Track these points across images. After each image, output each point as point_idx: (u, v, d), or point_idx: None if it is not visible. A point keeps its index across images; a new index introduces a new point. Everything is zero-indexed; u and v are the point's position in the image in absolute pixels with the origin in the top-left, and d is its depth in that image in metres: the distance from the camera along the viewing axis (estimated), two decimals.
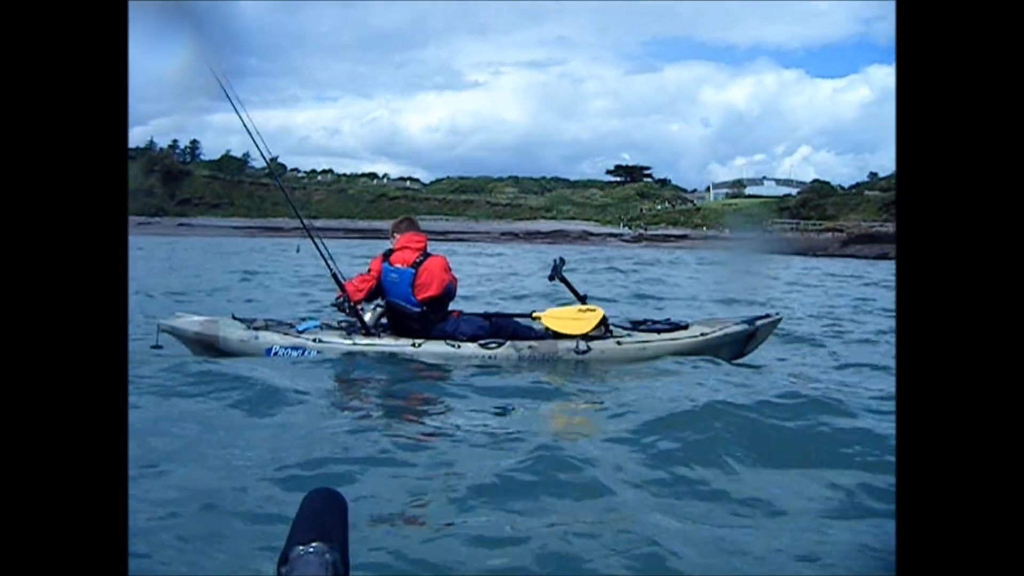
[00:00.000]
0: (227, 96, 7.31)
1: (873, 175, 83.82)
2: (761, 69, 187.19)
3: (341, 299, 7.27)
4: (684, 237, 69.67)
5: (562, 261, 7.88)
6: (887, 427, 4.77)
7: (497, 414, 5.56)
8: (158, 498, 3.63)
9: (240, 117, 7.46)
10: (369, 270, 7.41)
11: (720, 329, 7.60)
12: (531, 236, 69.97)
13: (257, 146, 7.76)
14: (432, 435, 4.96)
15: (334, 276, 7.40)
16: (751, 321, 7.75)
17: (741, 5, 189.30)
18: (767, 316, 7.97)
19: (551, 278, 7.82)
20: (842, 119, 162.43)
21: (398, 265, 7.30)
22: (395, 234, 7.60)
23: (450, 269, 7.42)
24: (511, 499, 3.79)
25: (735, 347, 7.68)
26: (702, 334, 7.51)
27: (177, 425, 4.98)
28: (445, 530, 3.49)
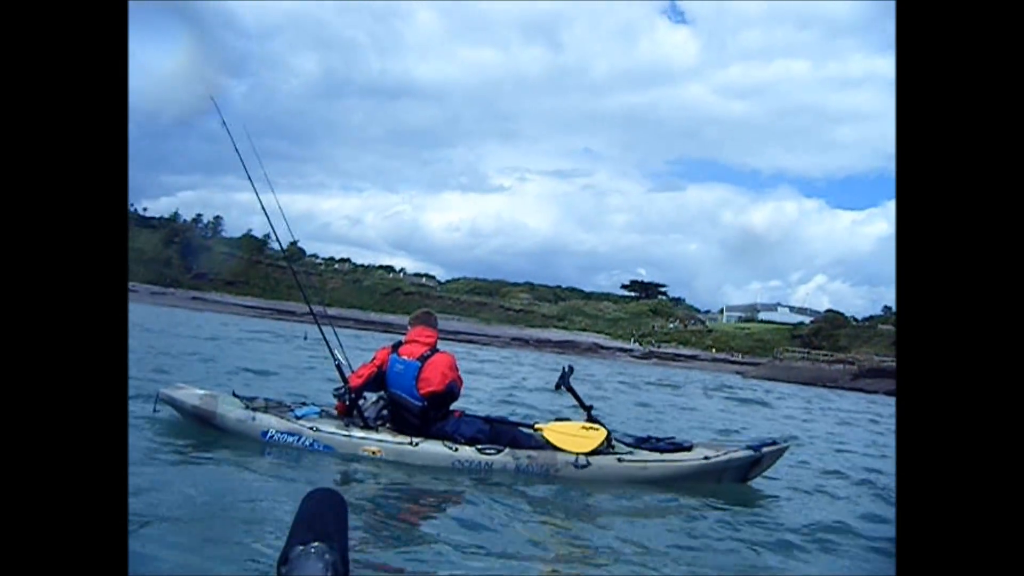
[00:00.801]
0: (247, 175, 7.44)
1: (887, 308, 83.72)
2: (783, 196, 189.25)
3: (342, 390, 7.16)
4: (694, 358, 69.41)
5: (571, 370, 7.63)
6: None
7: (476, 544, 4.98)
8: (159, 498, 3.65)
9: (258, 197, 7.60)
10: (373, 358, 7.30)
11: (725, 454, 7.30)
12: (541, 344, 69.77)
13: (272, 227, 7.91)
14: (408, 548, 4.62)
15: (337, 366, 7.31)
16: (757, 447, 7.45)
17: (766, 132, 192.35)
18: (774, 443, 7.68)
19: (558, 387, 7.59)
20: (859, 251, 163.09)
21: (405, 357, 7.18)
22: (410, 326, 7.54)
23: (456, 368, 7.28)
24: None
25: (739, 473, 7.38)
26: (705, 458, 7.22)
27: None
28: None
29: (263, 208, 7.65)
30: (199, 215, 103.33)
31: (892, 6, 1.66)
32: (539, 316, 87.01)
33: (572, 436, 7.07)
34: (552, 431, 7.14)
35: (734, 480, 7.33)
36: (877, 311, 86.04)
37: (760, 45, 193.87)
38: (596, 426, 7.20)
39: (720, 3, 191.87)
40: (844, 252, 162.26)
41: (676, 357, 69.52)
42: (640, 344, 75.44)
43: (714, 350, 73.49)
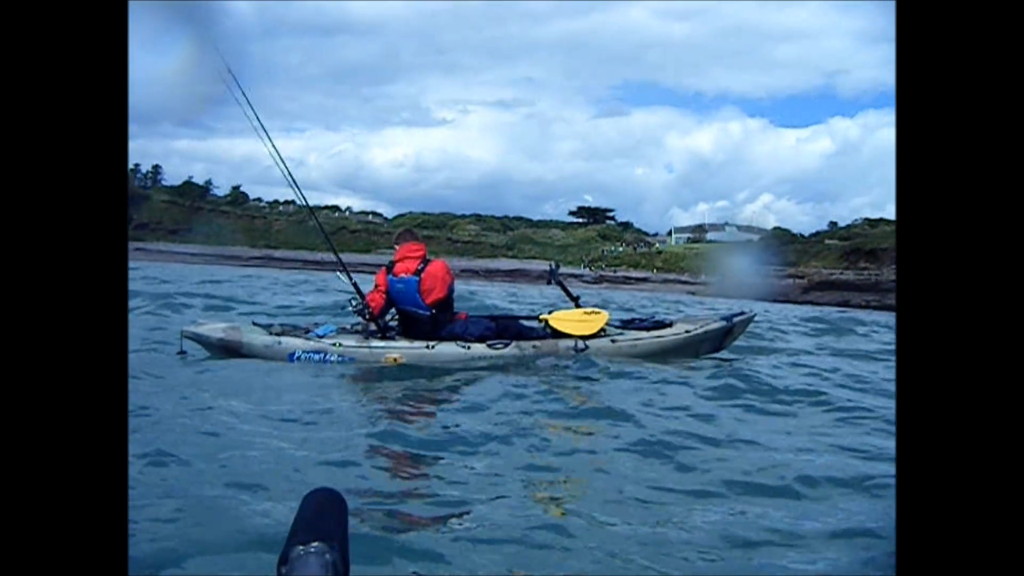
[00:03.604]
0: (257, 121, 8.05)
1: (833, 224, 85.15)
2: (727, 117, 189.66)
3: (360, 307, 7.67)
4: (645, 280, 69.86)
5: (557, 266, 8.79)
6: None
7: (504, 415, 5.71)
8: (159, 498, 3.68)
9: (271, 145, 8.17)
10: (376, 285, 7.94)
11: (702, 326, 8.33)
12: (491, 274, 69.67)
13: (286, 172, 8.24)
14: (447, 435, 5.10)
15: (356, 288, 7.80)
16: (729, 318, 8.56)
17: (708, 54, 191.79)
18: (742, 313, 8.83)
19: (548, 281, 8.57)
20: (804, 168, 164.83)
21: (402, 275, 7.79)
22: (395, 245, 8.15)
23: (451, 271, 7.98)
24: (513, 496, 3.95)
25: (715, 342, 8.44)
26: (686, 331, 8.22)
27: (194, 420, 5.14)
28: (445, 529, 3.55)
29: (277, 155, 8.12)
30: (137, 165, 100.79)
31: None
32: (488, 247, 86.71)
33: (576, 321, 7.90)
34: (557, 319, 7.97)
35: (711, 350, 8.46)
36: (823, 227, 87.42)
37: None
38: (597, 310, 8.13)
39: None
40: (789, 170, 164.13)
41: (627, 280, 69.91)
42: (590, 269, 75.62)
43: (655, 270, 73.96)
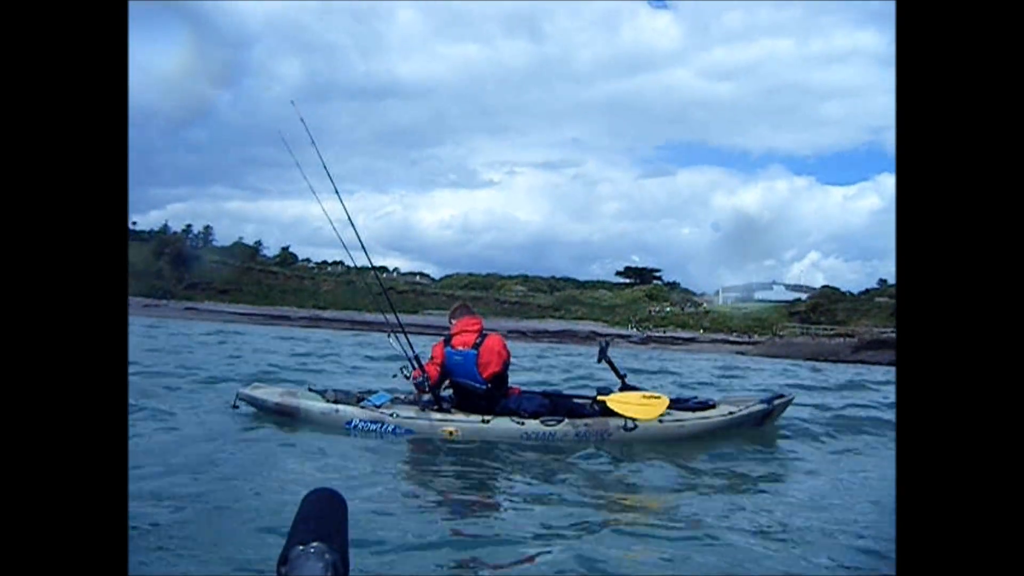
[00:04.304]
0: (334, 186, 8.42)
1: (883, 281, 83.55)
2: (773, 175, 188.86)
3: (420, 378, 7.74)
4: (692, 340, 69.20)
5: (607, 344, 8.71)
6: None
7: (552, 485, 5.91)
8: (159, 498, 3.70)
9: (341, 204, 8.37)
10: (433, 357, 7.93)
11: (745, 408, 8.54)
12: (538, 335, 69.49)
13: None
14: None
15: (416, 359, 7.87)
16: (769, 400, 8.87)
17: (753, 112, 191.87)
18: (782, 396, 9.22)
19: (599, 360, 8.42)
20: (851, 226, 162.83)
21: (460, 348, 7.85)
22: (452, 320, 8.22)
23: (507, 346, 8.05)
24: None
25: (755, 422, 8.65)
26: (730, 412, 8.38)
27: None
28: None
29: (345, 215, 8.44)
30: (189, 226, 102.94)
31: None
32: (535, 307, 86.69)
33: (636, 404, 7.91)
34: (615, 401, 7.97)
35: (752, 427, 8.61)
36: (872, 284, 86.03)
37: (742, 25, 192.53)
38: (657, 395, 8.14)
39: None
40: (837, 228, 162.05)
41: (675, 340, 69.24)
42: (638, 329, 75.17)
43: (702, 330, 73.35)
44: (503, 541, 4.19)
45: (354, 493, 4.98)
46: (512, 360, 8.20)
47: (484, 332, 8.03)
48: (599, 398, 8.06)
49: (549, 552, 3.99)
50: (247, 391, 8.12)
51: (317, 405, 7.88)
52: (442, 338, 8.10)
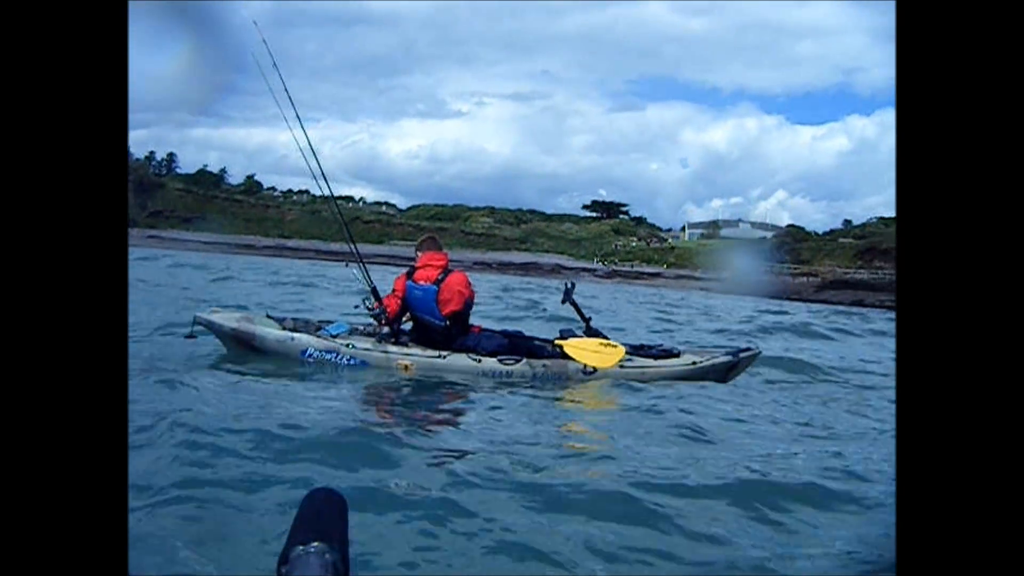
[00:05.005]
0: (296, 114, 8.08)
1: (847, 222, 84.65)
2: (743, 113, 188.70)
3: (378, 310, 7.70)
4: (658, 275, 69.65)
5: (572, 286, 8.62)
6: None
7: (508, 426, 5.81)
8: (159, 498, 3.69)
9: (304, 133, 8.15)
10: (394, 289, 7.91)
11: (709, 359, 8.43)
12: (504, 267, 69.71)
13: (310, 163, 8.19)
14: (449, 447, 5.09)
15: (374, 291, 7.79)
16: (735, 353, 8.66)
17: (725, 49, 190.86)
18: (748, 349, 8.92)
19: (563, 301, 8.47)
20: (819, 166, 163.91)
21: (421, 282, 7.79)
22: (418, 252, 8.13)
23: (470, 285, 7.97)
24: (511, 504, 3.93)
25: (719, 375, 8.42)
26: (693, 363, 8.29)
27: (197, 410, 5.26)
28: (447, 532, 3.54)
29: (305, 145, 8.13)
30: (152, 152, 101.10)
31: None
32: (501, 239, 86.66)
33: (593, 352, 7.88)
34: (571, 347, 7.92)
35: (715, 380, 8.36)
36: (837, 225, 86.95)
37: None
38: (613, 343, 8.05)
39: None
40: (804, 168, 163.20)
41: (640, 275, 69.70)
42: (603, 263, 75.48)
43: (667, 266, 73.77)
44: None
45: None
46: (476, 299, 8.18)
47: (449, 268, 7.94)
48: (557, 342, 8.02)
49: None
50: (204, 315, 7.97)
51: (273, 333, 7.81)
52: (405, 270, 8.05)
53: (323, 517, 1.21)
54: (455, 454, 4.76)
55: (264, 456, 4.37)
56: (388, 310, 7.69)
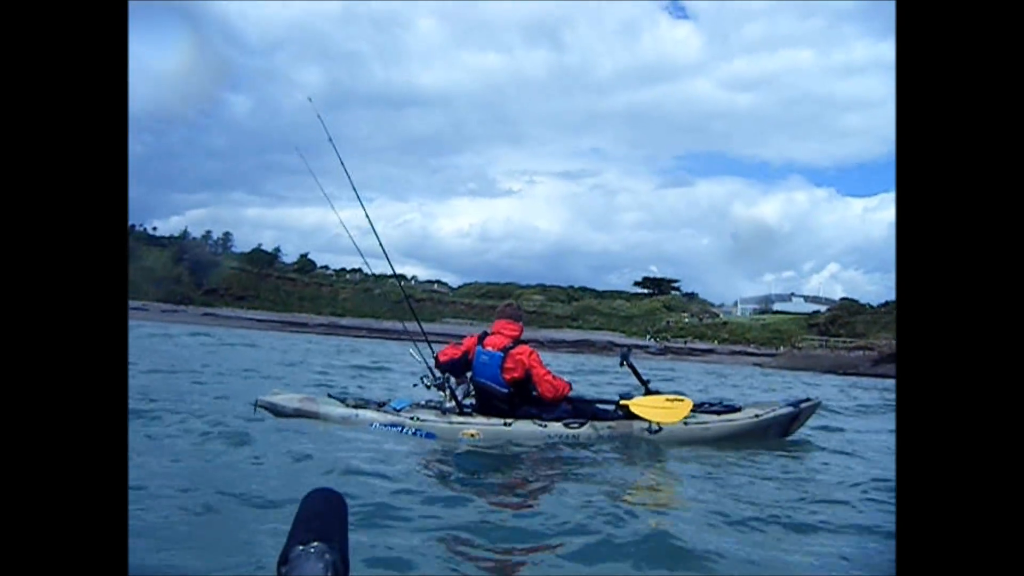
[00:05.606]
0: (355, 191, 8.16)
1: None
2: (793, 186, 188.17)
3: (439, 380, 7.71)
4: (711, 351, 68.92)
5: (629, 350, 8.58)
6: None
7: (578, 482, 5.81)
8: (159, 498, 3.70)
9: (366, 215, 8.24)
10: (461, 343, 7.92)
11: (770, 412, 8.33)
12: (556, 344, 69.41)
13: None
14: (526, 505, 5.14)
15: (431, 368, 7.81)
16: (795, 404, 8.61)
17: (773, 123, 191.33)
18: (808, 400, 8.91)
19: (621, 364, 8.36)
20: (871, 237, 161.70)
21: (490, 348, 7.71)
22: (495, 319, 8.06)
23: (537, 359, 7.82)
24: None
25: (782, 428, 8.48)
26: (755, 416, 8.21)
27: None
28: None
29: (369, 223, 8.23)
30: (208, 232, 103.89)
31: None
32: (552, 317, 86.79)
33: (659, 408, 7.81)
34: (637, 405, 7.84)
35: (777, 435, 8.44)
36: (892, 297, 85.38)
37: (763, 36, 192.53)
38: (680, 397, 8.00)
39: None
40: (856, 239, 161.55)
41: (692, 351, 69.01)
42: (655, 340, 74.93)
43: (720, 342, 72.99)
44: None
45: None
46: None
47: (520, 339, 7.86)
48: (622, 402, 7.94)
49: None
50: (265, 398, 7.98)
51: (337, 410, 7.81)
52: (477, 334, 8.04)
53: (323, 517, 1.22)
54: None
55: None
56: (443, 357, 7.75)
